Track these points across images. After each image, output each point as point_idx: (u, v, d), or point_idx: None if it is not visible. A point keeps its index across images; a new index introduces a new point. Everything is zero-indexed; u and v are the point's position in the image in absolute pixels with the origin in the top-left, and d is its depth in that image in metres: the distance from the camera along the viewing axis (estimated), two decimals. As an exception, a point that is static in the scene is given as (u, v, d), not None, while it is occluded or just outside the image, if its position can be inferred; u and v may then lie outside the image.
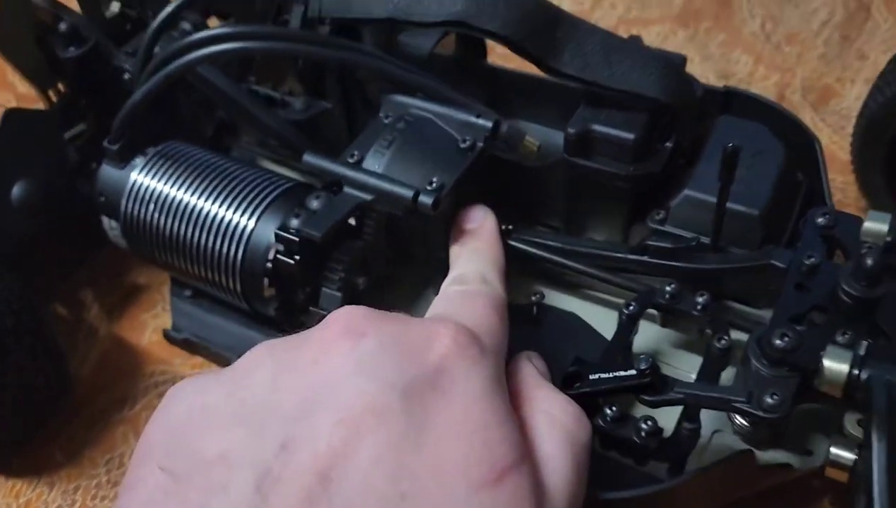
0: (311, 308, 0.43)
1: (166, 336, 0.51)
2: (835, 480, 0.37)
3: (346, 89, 0.50)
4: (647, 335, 0.44)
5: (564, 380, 0.38)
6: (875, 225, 0.40)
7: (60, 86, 0.53)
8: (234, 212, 0.45)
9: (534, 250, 0.45)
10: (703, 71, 0.66)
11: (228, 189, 0.46)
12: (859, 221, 0.40)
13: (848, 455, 0.36)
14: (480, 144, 0.43)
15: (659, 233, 0.44)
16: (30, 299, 0.45)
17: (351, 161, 0.43)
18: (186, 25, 0.51)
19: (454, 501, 0.29)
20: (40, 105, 0.53)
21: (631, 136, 0.43)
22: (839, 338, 0.36)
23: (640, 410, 0.38)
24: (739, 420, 0.39)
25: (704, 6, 0.71)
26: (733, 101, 0.48)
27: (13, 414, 0.46)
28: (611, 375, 0.37)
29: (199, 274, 0.46)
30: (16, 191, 0.49)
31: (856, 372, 0.34)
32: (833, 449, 0.37)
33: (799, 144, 0.46)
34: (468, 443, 0.30)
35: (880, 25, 0.68)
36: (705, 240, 0.43)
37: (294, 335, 0.33)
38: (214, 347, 0.50)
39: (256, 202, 0.45)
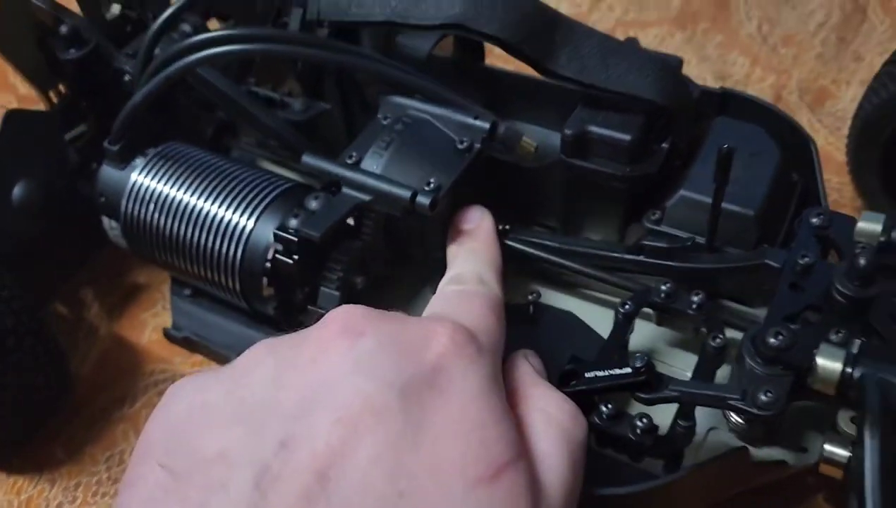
0: (309, 307, 0.43)
1: (166, 334, 0.52)
2: (829, 477, 0.38)
3: (344, 91, 0.50)
4: (643, 334, 0.44)
5: (561, 378, 0.38)
6: (869, 225, 0.40)
7: (61, 88, 0.53)
8: (234, 213, 0.45)
9: (531, 250, 0.45)
10: (700, 72, 0.67)
11: (228, 189, 0.46)
12: (853, 221, 0.40)
13: (842, 453, 0.37)
14: (478, 145, 0.44)
15: (655, 233, 0.44)
16: (30, 299, 0.45)
17: (349, 162, 0.44)
18: (186, 27, 0.51)
19: (451, 499, 0.29)
20: (41, 106, 0.53)
21: (627, 138, 0.43)
22: (833, 337, 0.36)
23: (636, 408, 0.38)
24: (734, 417, 0.40)
25: (702, 8, 0.72)
26: (730, 103, 0.49)
27: (14, 413, 0.46)
28: (606, 373, 0.37)
29: (198, 274, 0.47)
30: (17, 191, 0.49)
31: (849, 370, 0.34)
32: (827, 446, 0.37)
33: (794, 145, 0.47)
34: (465, 442, 0.30)
35: (876, 27, 0.69)
36: (701, 239, 0.43)
37: (293, 334, 0.34)
38: (214, 346, 0.50)
39: (255, 202, 0.45)
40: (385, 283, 0.47)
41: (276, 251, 0.42)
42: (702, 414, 0.39)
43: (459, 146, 0.44)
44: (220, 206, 0.45)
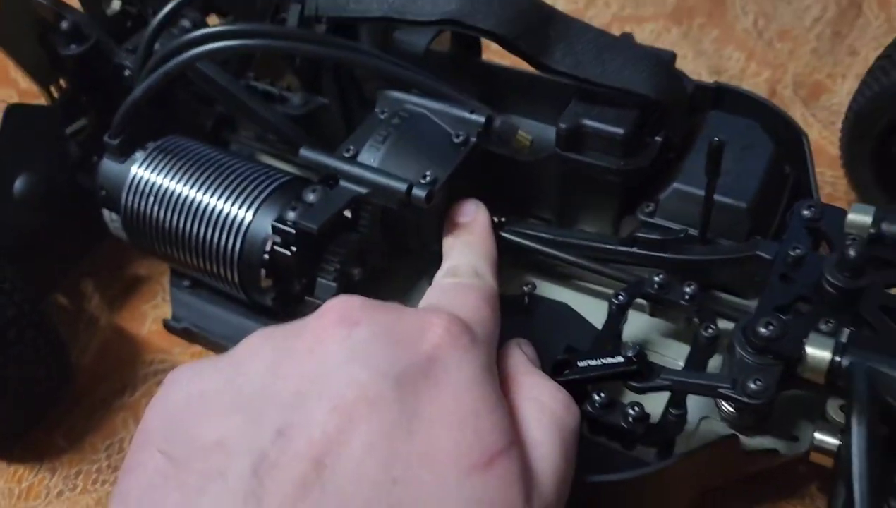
0: (306, 298, 0.43)
1: (166, 325, 0.52)
2: (820, 465, 0.38)
3: (342, 86, 0.51)
4: (637, 324, 0.45)
5: (554, 367, 0.38)
6: (859, 217, 0.40)
7: (62, 83, 0.53)
8: (233, 205, 0.45)
9: (526, 242, 0.46)
10: (696, 67, 0.67)
11: (226, 182, 0.46)
12: (844, 213, 0.41)
13: (832, 441, 0.37)
14: (473, 139, 0.44)
15: (648, 225, 0.44)
16: (31, 291, 0.45)
17: (347, 155, 0.44)
18: (186, 23, 0.52)
19: (445, 486, 0.29)
20: (42, 101, 0.53)
21: (621, 131, 0.44)
22: (822, 327, 0.37)
23: (629, 397, 0.38)
24: (726, 406, 0.40)
25: (698, 3, 0.72)
26: (724, 97, 0.49)
27: (15, 404, 0.46)
28: (599, 362, 0.38)
29: (197, 266, 0.47)
30: (18, 184, 0.49)
31: (837, 359, 0.35)
32: (817, 435, 0.37)
33: (787, 139, 0.47)
34: (459, 431, 0.30)
35: (871, 22, 0.69)
36: (693, 232, 0.44)
37: (290, 323, 0.34)
38: (213, 336, 0.50)
39: (254, 195, 0.45)
40: (382, 275, 0.47)
41: (275, 243, 0.43)
42: (694, 404, 0.40)
43: (455, 140, 0.44)
44: (218, 199, 0.46)
